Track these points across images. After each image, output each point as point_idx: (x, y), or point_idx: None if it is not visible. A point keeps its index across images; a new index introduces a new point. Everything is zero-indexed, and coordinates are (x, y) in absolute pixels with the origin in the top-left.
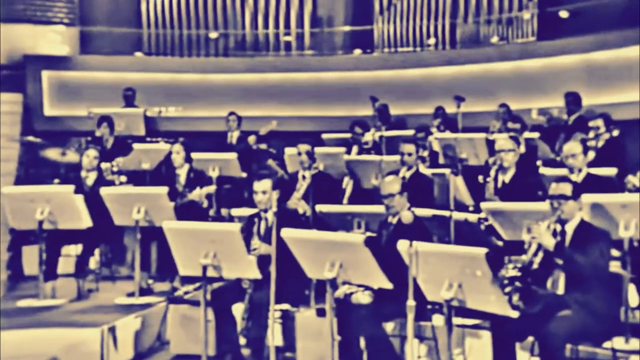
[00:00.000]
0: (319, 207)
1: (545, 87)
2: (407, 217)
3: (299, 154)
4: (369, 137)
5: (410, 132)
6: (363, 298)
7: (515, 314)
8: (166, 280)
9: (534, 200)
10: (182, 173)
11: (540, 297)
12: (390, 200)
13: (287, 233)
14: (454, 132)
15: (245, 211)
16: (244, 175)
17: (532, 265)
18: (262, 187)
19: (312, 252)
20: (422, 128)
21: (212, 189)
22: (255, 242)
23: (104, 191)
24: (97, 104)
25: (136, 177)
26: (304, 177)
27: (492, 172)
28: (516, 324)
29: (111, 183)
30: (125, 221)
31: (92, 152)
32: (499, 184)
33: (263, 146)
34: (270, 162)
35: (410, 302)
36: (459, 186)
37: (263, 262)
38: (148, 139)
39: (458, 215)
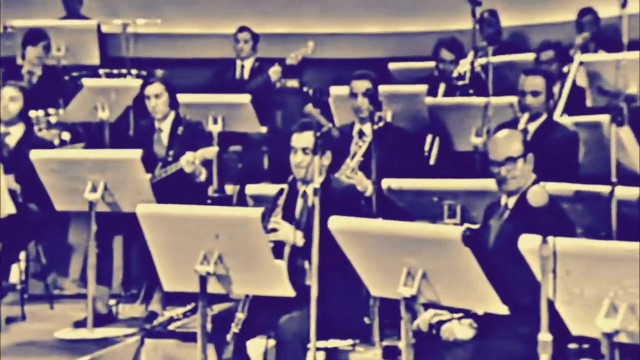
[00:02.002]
0: (387, 183)
1: None
2: (536, 195)
3: (353, 95)
4: (465, 66)
5: (531, 57)
6: (461, 331)
7: None
8: (139, 301)
9: None
10: (165, 127)
11: None
12: (505, 169)
13: (337, 223)
14: (614, 52)
15: (267, 189)
16: (263, 130)
17: None
18: (305, 142)
19: (377, 255)
20: (552, 46)
21: (212, 152)
22: (278, 220)
23: (35, 156)
24: (21, 14)
25: (88, 134)
26: (361, 133)
27: None
28: None
29: (47, 144)
30: (71, 205)
31: (10, 92)
32: None
33: (293, 83)
34: (309, 108)
35: (544, 337)
36: (625, 143)
37: (294, 266)
38: (106, 71)
39: (624, 192)
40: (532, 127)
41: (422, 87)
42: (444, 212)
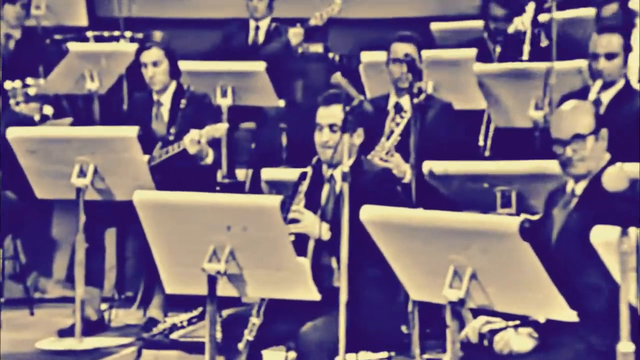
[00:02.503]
0: (429, 166)
1: None
2: (612, 179)
3: (392, 61)
4: (522, 24)
5: (592, 12)
6: (518, 341)
7: None
8: (135, 305)
9: None
10: (165, 100)
11: None
12: (571, 149)
13: (369, 213)
14: None
15: (285, 173)
16: (281, 104)
17: None
18: (332, 117)
19: (418, 251)
20: None
21: (220, 129)
22: (300, 209)
23: (12, 134)
24: None
25: (74, 109)
26: (399, 107)
27: None
28: None
29: (26, 120)
30: (55, 192)
31: None
32: None
33: (317, 48)
34: (337, 77)
35: (626, 347)
36: None
37: (318, 264)
38: (95, 33)
39: None
40: (606, 97)
41: (470, 52)
42: (497, 201)
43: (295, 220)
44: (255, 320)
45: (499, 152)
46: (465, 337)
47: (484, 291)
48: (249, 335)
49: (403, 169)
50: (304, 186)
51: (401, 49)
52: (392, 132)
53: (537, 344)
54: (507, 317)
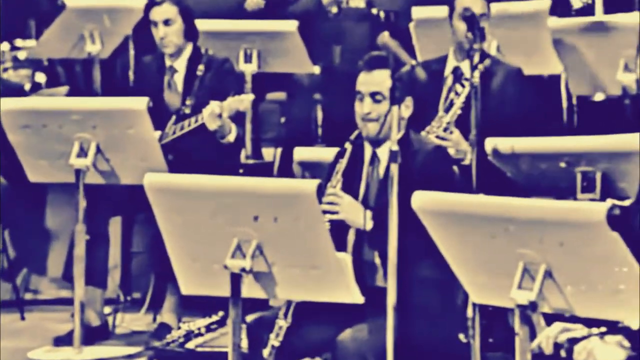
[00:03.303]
0: (493, 144)
1: None
2: None
3: (458, 17)
4: None
5: None
6: (606, 353)
7: None
8: (144, 309)
9: None
10: (179, 67)
11: None
12: None
13: (423, 200)
14: None
15: (320, 153)
16: (316, 70)
17: None
18: (377, 85)
19: (481, 245)
20: None
21: (245, 101)
22: (337, 192)
23: (2, 106)
24: None
25: (72, 76)
26: (458, 73)
27: None
28: None
29: (15, 89)
30: (50, 175)
31: None
32: None
33: (358, 2)
34: (384, 38)
35: None
36: None
37: (360, 259)
38: None
39: None
40: None
41: (543, 3)
42: (577, 184)
43: (332, 205)
44: (282, 323)
45: (580, 125)
46: (538, 348)
47: (561, 292)
48: (275, 340)
49: (463, 148)
50: (342, 165)
51: (464, 4)
52: (451, 103)
53: (630, 355)
54: (589, 323)
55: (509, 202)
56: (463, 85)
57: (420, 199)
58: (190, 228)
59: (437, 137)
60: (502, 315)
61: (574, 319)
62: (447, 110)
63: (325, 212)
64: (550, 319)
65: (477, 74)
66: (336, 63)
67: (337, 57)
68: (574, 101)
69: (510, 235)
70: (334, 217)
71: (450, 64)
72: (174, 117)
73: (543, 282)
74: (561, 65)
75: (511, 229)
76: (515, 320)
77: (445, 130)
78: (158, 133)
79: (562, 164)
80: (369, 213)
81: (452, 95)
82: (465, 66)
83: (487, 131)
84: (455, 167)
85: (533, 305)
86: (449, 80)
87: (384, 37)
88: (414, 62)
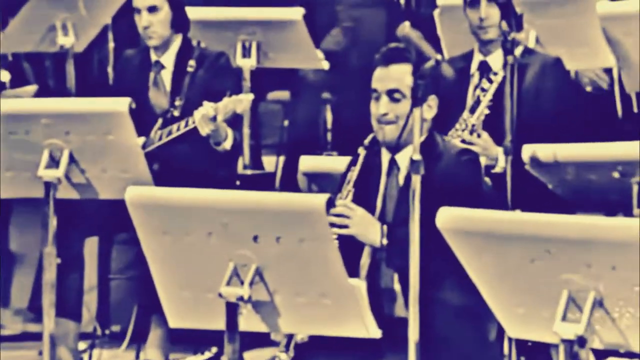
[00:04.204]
0: (532, 150)
1: None
2: None
3: (468, 3)
4: None
5: None
6: None
7: None
8: (125, 344)
9: None
10: (167, 62)
11: None
12: None
13: (449, 217)
14: None
15: (330, 162)
16: (324, 65)
17: None
18: (395, 81)
19: (518, 270)
20: None
21: (243, 102)
22: (348, 204)
23: None
24: None
25: (40, 73)
26: (486, 69)
27: None
28: None
29: None
30: (15, 189)
31: None
32: None
33: None
34: (404, 29)
35: None
36: None
37: (375, 285)
38: None
39: None
40: None
41: None
42: (633, 198)
43: (342, 218)
44: (283, 357)
45: (637, 129)
46: None
47: (614, 324)
48: None
49: (493, 154)
50: (354, 173)
51: None
52: (477, 102)
53: None
54: None
55: (550, 220)
56: (490, 81)
57: (446, 217)
58: (179, 250)
59: (463, 141)
60: (544, 352)
61: (630, 355)
62: (472, 111)
63: (333, 225)
64: (601, 355)
65: (507, 67)
66: (348, 57)
67: (350, 49)
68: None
69: (553, 259)
70: (344, 231)
71: (477, 58)
72: (160, 121)
73: (592, 313)
74: (613, 58)
75: (554, 251)
76: (559, 357)
77: (471, 133)
78: (142, 139)
79: (615, 174)
80: (385, 228)
81: (478, 92)
82: (493, 60)
83: (524, 135)
84: (486, 178)
85: (581, 340)
86: (476, 77)
87: (405, 27)
88: (439, 56)
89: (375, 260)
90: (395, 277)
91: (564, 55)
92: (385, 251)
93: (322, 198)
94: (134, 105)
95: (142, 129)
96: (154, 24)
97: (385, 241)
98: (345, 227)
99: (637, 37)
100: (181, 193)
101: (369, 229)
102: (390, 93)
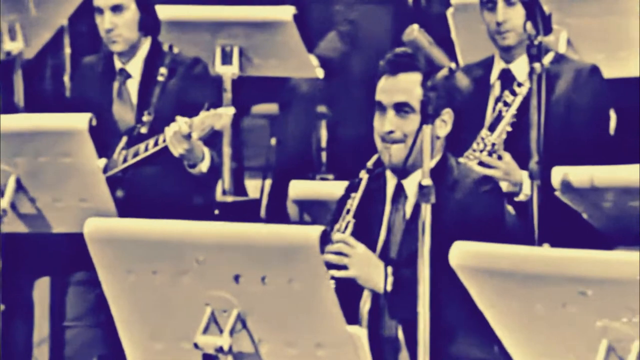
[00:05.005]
0: (563, 173)
1: None
2: None
3: (484, 4)
4: None
5: None
6: None
7: None
8: None
9: None
10: (133, 70)
11: None
12: None
13: (465, 254)
14: None
15: (324, 188)
16: (319, 74)
17: None
18: (402, 92)
19: (546, 315)
20: None
21: (223, 117)
22: (347, 239)
23: None
24: None
25: None
26: (508, 77)
27: None
28: None
29: None
30: None
31: None
32: None
33: None
34: (414, 32)
35: None
36: None
37: (377, 334)
38: None
39: None
40: None
41: None
42: None
43: (340, 257)
44: None
45: None
46: None
47: None
48: None
49: (517, 179)
50: (354, 202)
51: None
52: (498, 118)
53: None
54: None
55: (585, 256)
56: (514, 93)
57: (462, 253)
58: (147, 292)
59: (480, 163)
60: None
61: None
62: (492, 128)
63: (329, 265)
64: None
65: (534, 76)
66: (347, 64)
67: (349, 55)
68: None
69: (589, 302)
70: (342, 273)
71: (498, 66)
72: (125, 139)
73: None
74: None
75: (589, 293)
76: None
77: (490, 154)
78: (103, 161)
79: None
80: (389, 269)
81: (499, 106)
82: (517, 68)
83: (554, 156)
84: (509, 207)
85: None
86: (496, 88)
87: (413, 30)
88: (453, 64)
89: (376, 305)
90: (400, 325)
91: (602, 61)
92: (388, 299)
93: (315, 231)
94: (94, 122)
95: (104, 149)
96: (118, 26)
97: (389, 287)
98: (344, 267)
99: None
100: (149, 225)
101: (371, 271)
102: (397, 107)
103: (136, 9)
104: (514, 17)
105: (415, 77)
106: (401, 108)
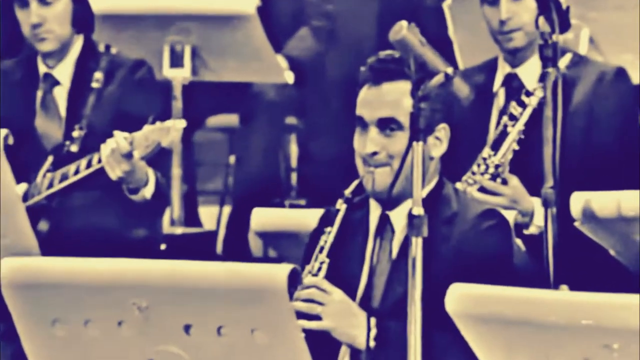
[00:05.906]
0: (584, 199)
1: None
2: None
3: None
4: None
5: None
6: None
7: None
8: None
9: None
10: (62, 75)
11: None
12: None
13: (464, 298)
14: None
15: (294, 216)
16: (289, 78)
17: None
18: (388, 106)
19: None
20: None
21: (171, 131)
22: (321, 283)
23: None
24: None
25: None
26: (514, 85)
27: None
28: None
29: None
30: None
31: None
32: None
33: None
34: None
35: None
36: None
37: None
38: None
39: None
40: None
41: None
42: None
43: (313, 304)
44: None
45: None
46: None
47: None
48: None
49: (527, 208)
50: (330, 237)
51: None
52: (503, 134)
53: None
54: None
55: (611, 302)
56: (522, 104)
57: (460, 297)
58: (77, 347)
59: (481, 189)
60: None
61: None
62: (495, 147)
63: (300, 315)
64: None
65: (548, 82)
66: (322, 67)
67: (324, 57)
68: None
69: (614, 358)
70: (314, 324)
71: (502, 69)
72: (50, 159)
73: None
74: None
75: (615, 347)
76: None
77: (494, 178)
78: (23, 187)
79: None
80: (372, 321)
81: (504, 120)
82: (525, 72)
83: (572, 180)
84: (518, 241)
85: None
86: (500, 97)
87: (401, 28)
88: (450, 69)
89: None
90: None
91: (630, 63)
92: (371, 356)
93: (283, 270)
94: (11, 140)
95: (25, 172)
96: (48, 20)
97: (372, 342)
98: (317, 317)
99: None
100: (80, 265)
101: (350, 323)
102: (382, 123)
103: (68, 0)
104: (521, 13)
105: (403, 86)
106: (386, 125)
